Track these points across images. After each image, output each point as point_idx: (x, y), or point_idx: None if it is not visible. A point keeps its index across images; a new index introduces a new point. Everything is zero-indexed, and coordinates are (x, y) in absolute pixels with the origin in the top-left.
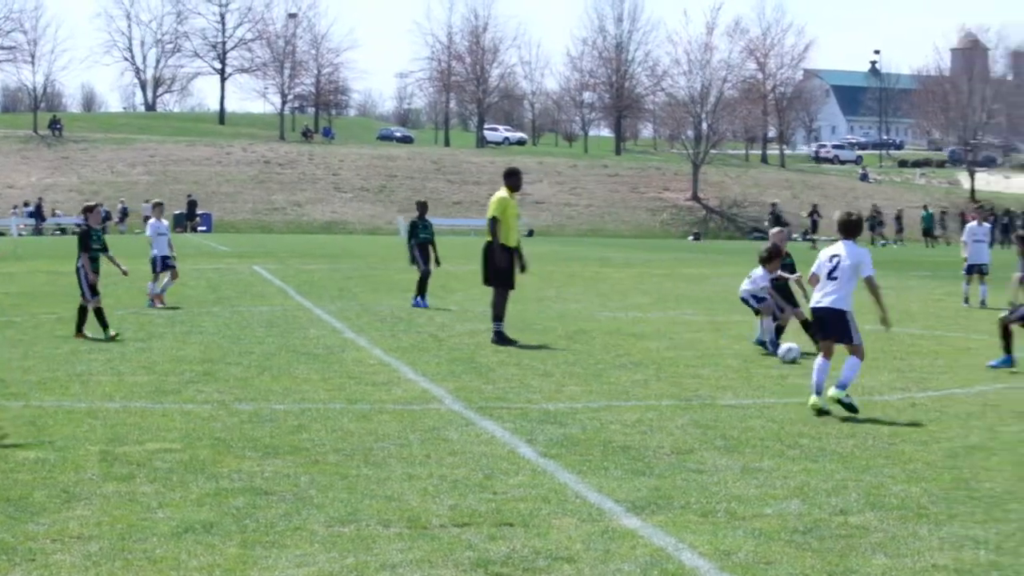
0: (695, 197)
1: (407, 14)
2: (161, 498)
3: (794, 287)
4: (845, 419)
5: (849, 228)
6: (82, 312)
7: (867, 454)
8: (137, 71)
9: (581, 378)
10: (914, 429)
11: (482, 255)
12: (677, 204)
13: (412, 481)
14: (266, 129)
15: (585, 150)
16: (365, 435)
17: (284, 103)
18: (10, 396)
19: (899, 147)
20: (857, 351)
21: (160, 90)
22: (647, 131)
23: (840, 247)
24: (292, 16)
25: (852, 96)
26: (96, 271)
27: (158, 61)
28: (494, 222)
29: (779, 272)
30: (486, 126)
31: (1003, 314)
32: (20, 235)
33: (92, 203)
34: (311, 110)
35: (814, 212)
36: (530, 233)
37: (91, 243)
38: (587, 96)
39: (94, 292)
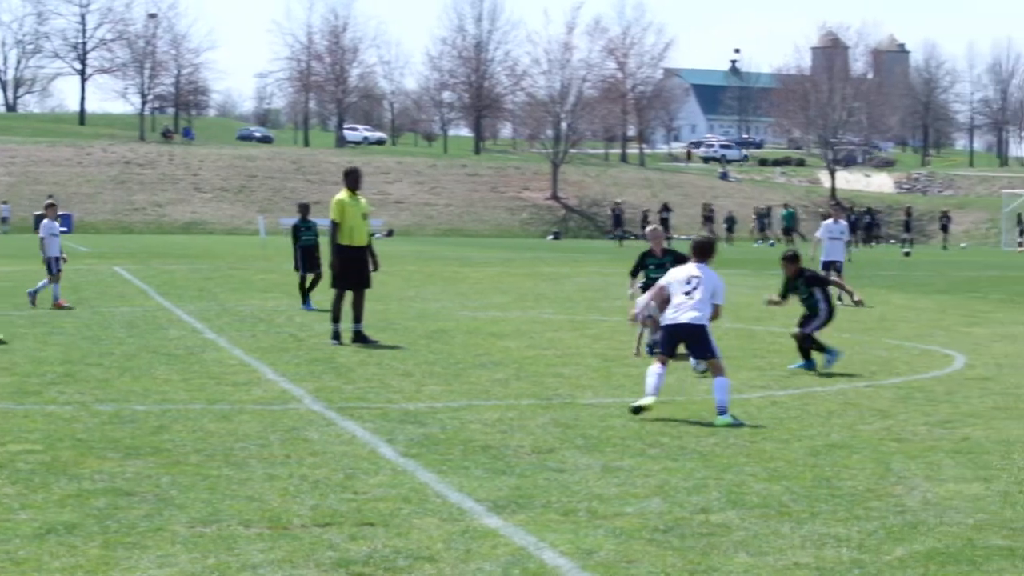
0: (554, 196)
1: (266, 14)
2: (23, 499)
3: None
4: (706, 417)
5: (702, 251)
6: None
7: (728, 452)
8: None
9: (441, 378)
10: (775, 427)
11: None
12: (536, 203)
13: (273, 481)
14: (126, 130)
15: (445, 150)
16: (226, 435)
17: (144, 103)
18: None
19: (759, 146)
20: (718, 368)
21: (20, 91)
22: (507, 131)
23: (696, 269)
24: (152, 16)
25: (712, 95)
26: None
27: (19, 62)
28: (333, 225)
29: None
30: (345, 126)
31: (794, 331)
32: None
33: None
34: (171, 110)
35: (664, 210)
36: (390, 233)
37: None
38: (446, 96)
39: None
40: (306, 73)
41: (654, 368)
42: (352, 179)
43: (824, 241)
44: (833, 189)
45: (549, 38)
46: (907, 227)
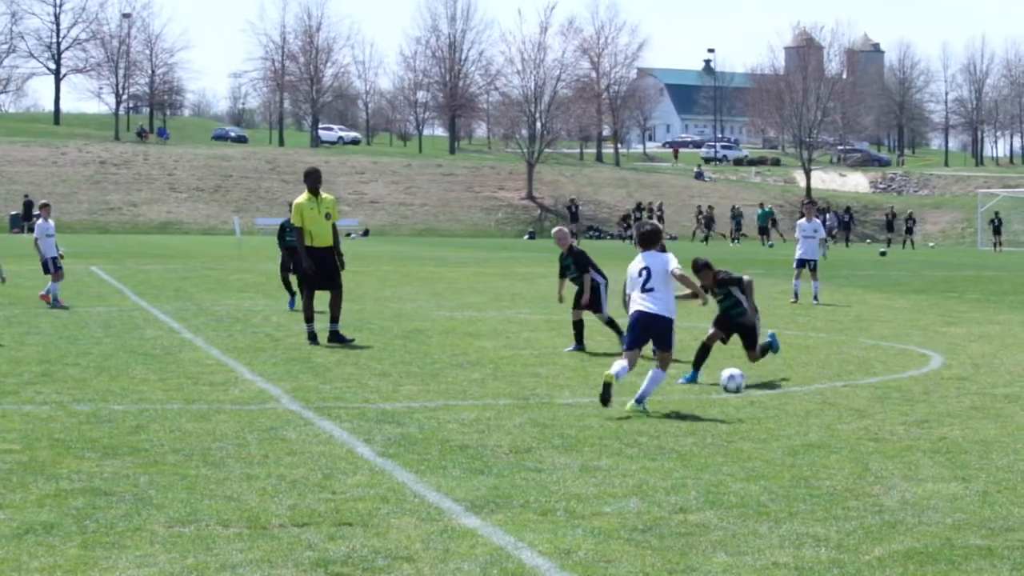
0: (530, 196)
1: (241, 14)
2: (1, 499)
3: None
4: (684, 417)
5: (647, 240)
6: None
7: (706, 452)
8: None
9: (418, 377)
10: (753, 427)
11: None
12: (512, 203)
13: (251, 481)
14: (101, 129)
15: (420, 149)
16: (203, 435)
17: (119, 103)
18: None
19: (732, 145)
20: (665, 361)
21: None
22: (481, 130)
23: (642, 260)
24: (126, 16)
25: (686, 94)
26: None
27: None
28: (296, 230)
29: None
30: (320, 126)
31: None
32: None
33: None
34: (146, 110)
35: (638, 210)
36: (366, 233)
37: None
38: (421, 95)
39: None
40: (280, 73)
41: (621, 362)
42: (312, 180)
43: (799, 240)
44: (808, 188)
45: (523, 38)
46: (889, 227)
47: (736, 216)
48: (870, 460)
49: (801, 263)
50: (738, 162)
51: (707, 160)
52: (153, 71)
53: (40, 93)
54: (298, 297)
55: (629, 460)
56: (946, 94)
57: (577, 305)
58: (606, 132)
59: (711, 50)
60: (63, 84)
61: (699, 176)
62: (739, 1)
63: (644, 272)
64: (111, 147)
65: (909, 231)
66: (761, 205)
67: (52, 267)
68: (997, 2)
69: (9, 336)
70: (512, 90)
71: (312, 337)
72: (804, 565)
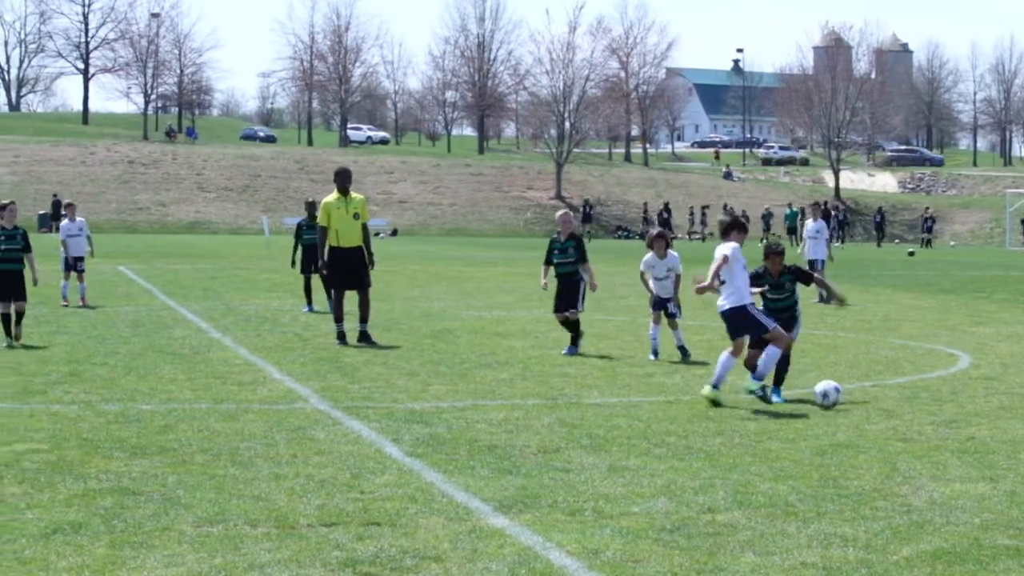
0: (559, 196)
1: (269, 13)
2: (29, 499)
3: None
4: (712, 417)
5: (727, 229)
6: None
7: (734, 452)
8: (0, 71)
9: (447, 377)
10: (781, 427)
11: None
12: (541, 203)
13: (279, 481)
14: (129, 129)
15: (448, 149)
16: (232, 435)
17: (147, 103)
18: None
19: (762, 145)
20: (777, 340)
21: (24, 90)
22: (510, 130)
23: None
24: (155, 16)
25: (715, 94)
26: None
27: (21, 61)
28: (321, 229)
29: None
30: (349, 125)
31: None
32: None
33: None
34: (174, 110)
35: (665, 209)
36: (394, 232)
37: None
38: (449, 95)
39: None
40: (309, 73)
41: (723, 358)
42: (341, 179)
43: (807, 241)
44: (837, 188)
45: (552, 37)
46: (925, 228)
47: (766, 216)
48: (898, 460)
49: (809, 264)
50: (767, 162)
51: (765, 162)
52: (181, 71)
53: (69, 93)
54: (317, 302)
55: (657, 460)
56: (975, 94)
57: (561, 307)
58: (635, 132)
59: (740, 50)
60: (92, 84)
61: (728, 176)
62: (768, 1)
63: (712, 266)
64: (139, 147)
65: (929, 230)
66: (790, 205)
67: (76, 266)
68: None
69: (38, 335)
70: (541, 90)
71: (341, 337)
72: (832, 565)
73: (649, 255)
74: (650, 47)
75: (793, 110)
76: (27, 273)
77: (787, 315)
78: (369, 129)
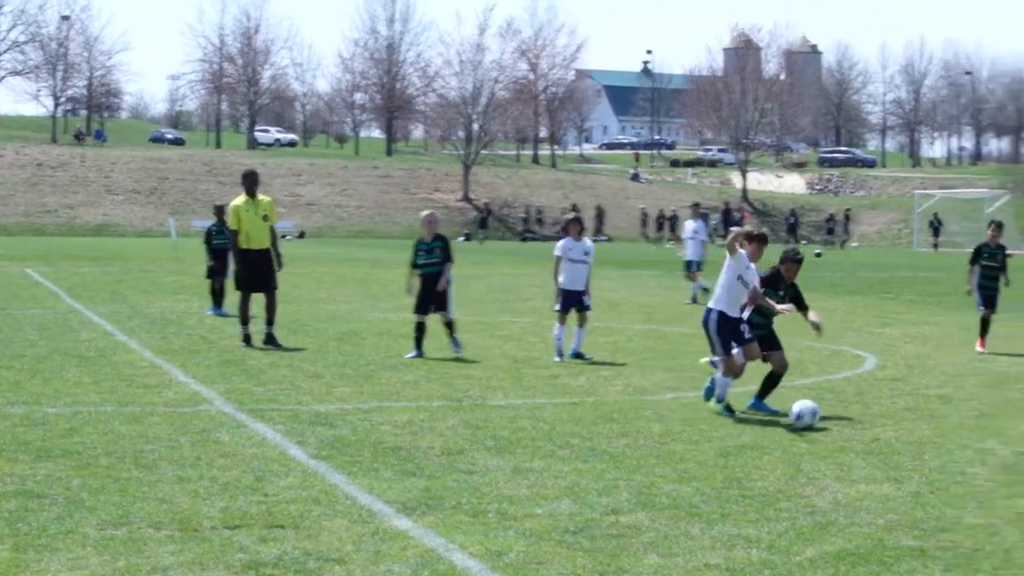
0: (466, 198)
1: (180, 16)
2: None
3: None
4: (617, 419)
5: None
6: None
7: (638, 454)
8: None
9: (352, 379)
10: (685, 428)
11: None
12: (448, 205)
13: (183, 484)
14: (39, 132)
15: (356, 151)
16: (136, 437)
17: (57, 105)
18: None
19: (671, 147)
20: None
21: None
22: (418, 132)
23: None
24: (65, 18)
25: (624, 96)
26: None
27: None
28: (233, 233)
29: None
30: (257, 128)
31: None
32: None
33: None
34: (84, 112)
35: (573, 209)
36: (302, 235)
37: None
38: (358, 97)
39: None
40: (218, 75)
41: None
42: (249, 182)
43: (686, 242)
44: (744, 190)
45: (461, 39)
46: (842, 229)
47: (671, 219)
48: (803, 461)
49: (688, 264)
50: (674, 163)
51: (694, 164)
52: (91, 73)
53: None
54: (224, 305)
55: (561, 462)
56: (884, 95)
57: (423, 309)
58: (543, 134)
59: (649, 51)
60: (1, 87)
61: (635, 178)
62: (677, 3)
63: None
64: (48, 149)
65: (830, 231)
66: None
67: None
68: (936, 4)
69: None
70: (449, 92)
71: (246, 339)
72: (735, 566)
73: (566, 239)
74: (559, 49)
75: (702, 111)
76: None
77: (770, 329)
78: (277, 131)
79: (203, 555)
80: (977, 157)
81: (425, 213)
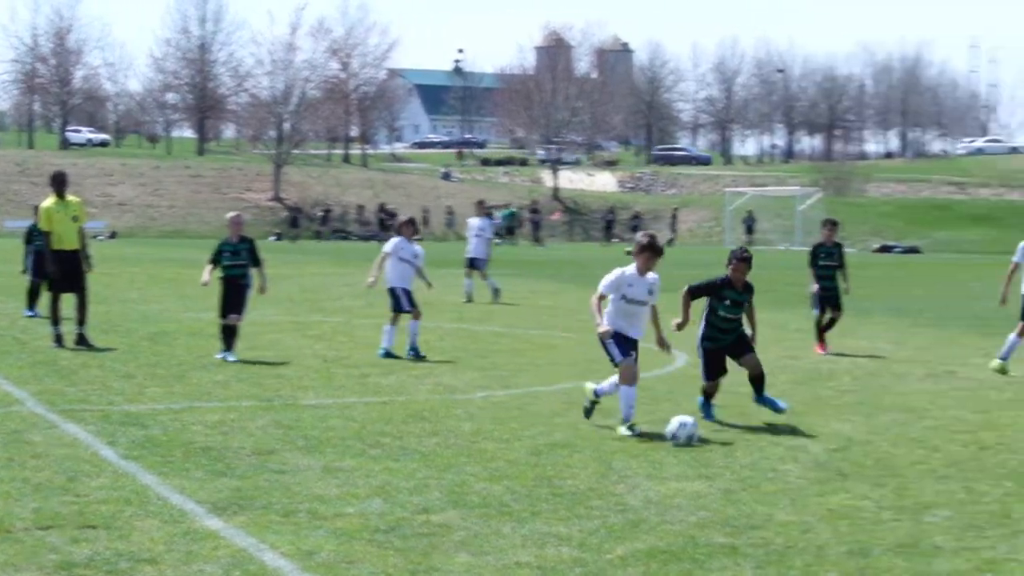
0: (277, 198)
1: None
2: None
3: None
4: (428, 418)
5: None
6: None
7: (449, 452)
8: None
9: (163, 379)
10: (496, 427)
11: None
12: (259, 204)
13: None
14: None
15: (168, 151)
16: None
17: None
18: None
19: (481, 145)
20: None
21: None
22: (230, 132)
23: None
24: None
25: (435, 95)
26: None
27: None
28: (45, 235)
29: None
30: (69, 128)
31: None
32: None
33: None
34: None
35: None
36: (113, 235)
37: None
38: (170, 97)
39: None
40: (31, 75)
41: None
42: (58, 183)
43: (470, 239)
44: (556, 188)
45: (273, 39)
46: (634, 228)
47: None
48: (614, 459)
49: (470, 262)
50: (485, 162)
51: (484, 162)
52: None
53: None
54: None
55: (372, 461)
56: (696, 93)
57: (225, 314)
58: (354, 133)
59: (461, 50)
60: None
61: (446, 177)
62: (489, 2)
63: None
64: None
65: (635, 229)
66: (507, 205)
67: None
68: (749, 3)
69: None
70: (261, 91)
71: (58, 339)
72: (547, 564)
73: (399, 239)
74: (371, 48)
75: (512, 110)
76: None
77: (736, 335)
78: (89, 131)
79: (15, 556)
80: (789, 155)
81: (231, 215)
